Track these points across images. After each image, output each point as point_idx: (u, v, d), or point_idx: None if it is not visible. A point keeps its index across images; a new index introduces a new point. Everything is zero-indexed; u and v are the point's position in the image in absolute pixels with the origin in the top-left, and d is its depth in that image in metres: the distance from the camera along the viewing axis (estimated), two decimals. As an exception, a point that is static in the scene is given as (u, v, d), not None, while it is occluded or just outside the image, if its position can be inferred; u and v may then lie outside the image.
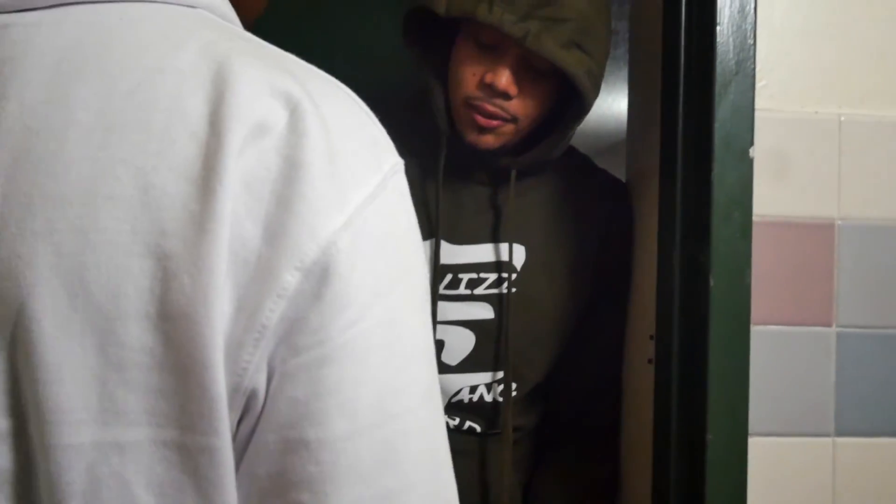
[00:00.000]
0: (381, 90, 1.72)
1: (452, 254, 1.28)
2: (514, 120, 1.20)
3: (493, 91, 1.17)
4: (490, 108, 1.18)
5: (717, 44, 1.06)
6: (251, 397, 0.46)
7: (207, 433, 0.45)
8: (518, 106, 1.19)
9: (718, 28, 1.05)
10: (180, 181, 0.45)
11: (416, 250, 0.52)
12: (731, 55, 1.06)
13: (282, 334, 0.45)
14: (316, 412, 0.46)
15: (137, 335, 0.44)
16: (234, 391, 0.45)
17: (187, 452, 0.45)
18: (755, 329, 1.07)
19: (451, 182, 1.28)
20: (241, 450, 0.47)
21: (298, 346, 0.46)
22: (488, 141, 1.22)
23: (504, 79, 1.16)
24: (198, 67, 0.47)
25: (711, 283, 1.06)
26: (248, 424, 0.46)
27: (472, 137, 1.22)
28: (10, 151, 0.45)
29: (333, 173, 0.47)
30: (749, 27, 1.06)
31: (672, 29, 1.14)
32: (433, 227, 1.27)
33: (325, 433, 0.46)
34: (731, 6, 1.06)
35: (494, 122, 1.19)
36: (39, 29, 0.49)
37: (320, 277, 0.45)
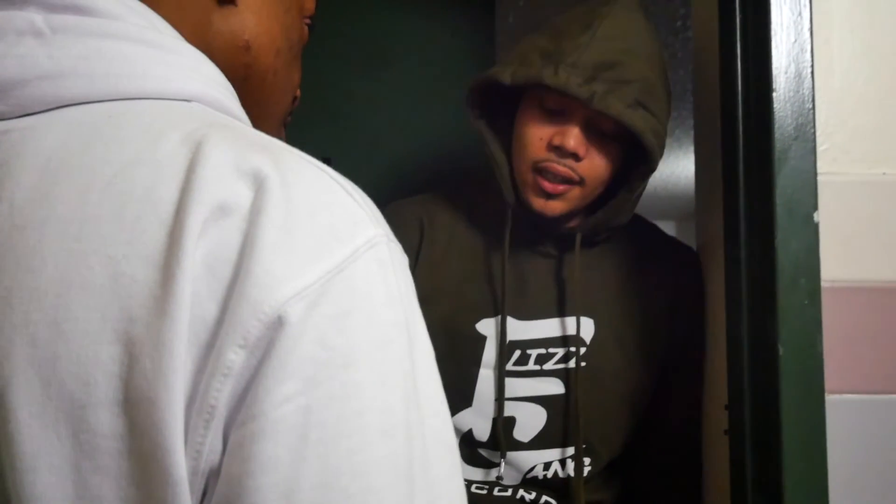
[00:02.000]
0: (450, 167, 1.77)
1: (520, 329, 1.28)
2: (581, 182, 1.20)
3: (562, 152, 1.19)
4: (560, 168, 1.19)
5: (775, 110, 1.05)
6: (210, 477, 0.46)
7: None
8: (586, 168, 1.20)
9: (775, 94, 1.05)
10: (148, 268, 0.46)
11: (396, 323, 0.50)
12: (790, 120, 1.05)
13: (231, 412, 0.45)
14: (251, 490, 0.44)
15: (108, 421, 0.45)
16: (193, 474, 0.45)
17: None
18: (830, 398, 1.04)
19: (515, 255, 1.29)
20: None
21: (237, 421, 0.45)
22: (556, 207, 1.22)
23: (573, 140, 1.18)
24: (175, 157, 0.49)
25: (780, 351, 1.03)
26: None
27: (540, 204, 1.22)
28: None
29: (289, 248, 0.46)
30: (807, 92, 1.05)
31: (730, 96, 1.14)
32: (499, 303, 1.28)
33: None
34: (787, 72, 1.05)
35: (561, 187, 1.20)
36: (34, 132, 0.51)
37: (264, 352, 0.45)
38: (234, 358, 0.45)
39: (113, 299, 0.45)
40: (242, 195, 0.47)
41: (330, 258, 0.47)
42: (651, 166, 1.19)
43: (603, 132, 1.20)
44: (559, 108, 1.20)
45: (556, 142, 1.18)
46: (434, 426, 0.52)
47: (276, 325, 0.45)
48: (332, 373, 0.46)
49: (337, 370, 0.46)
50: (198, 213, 0.46)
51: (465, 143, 1.40)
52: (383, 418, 0.47)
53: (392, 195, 1.43)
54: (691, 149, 1.57)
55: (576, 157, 1.19)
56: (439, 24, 1.85)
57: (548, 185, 1.20)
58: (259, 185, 0.47)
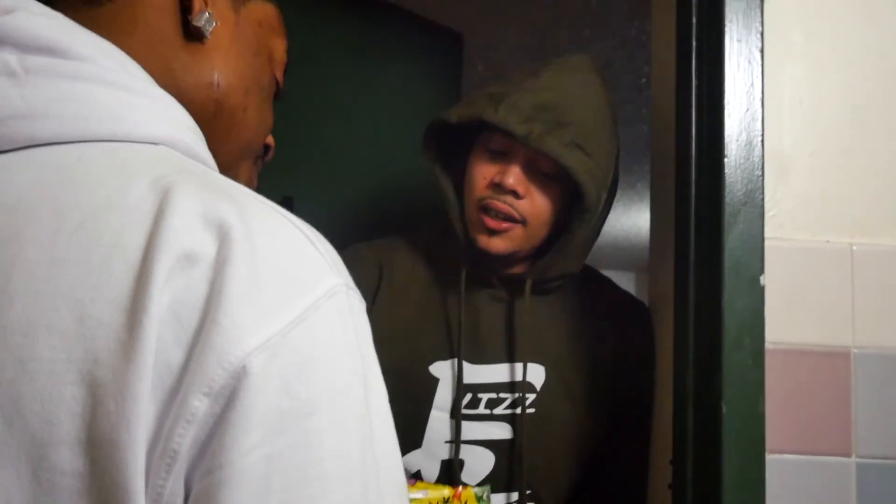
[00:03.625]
0: (411, 209, 1.79)
1: (472, 373, 1.30)
2: (523, 222, 1.24)
3: (502, 189, 1.23)
4: (500, 205, 1.23)
5: (726, 175, 1.09)
6: None
7: None
8: (527, 207, 1.24)
9: (726, 160, 1.09)
10: (114, 312, 0.47)
11: (354, 370, 0.52)
12: (740, 186, 1.09)
13: (195, 458, 0.46)
14: None
15: (69, 460, 0.46)
16: None
17: None
18: (771, 458, 1.07)
19: (469, 299, 1.32)
20: None
21: (204, 469, 0.46)
22: (499, 245, 1.25)
23: (512, 178, 1.22)
24: (143, 203, 0.50)
25: (724, 409, 1.06)
26: None
27: (483, 241, 1.26)
28: None
29: (253, 299, 0.48)
30: (757, 160, 1.09)
31: (684, 160, 1.18)
32: (454, 346, 1.30)
33: None
34: (738, 139, 1.09)
35: (504, 224, 1.24)
36: (4, 171, 0.52)
37: (227, 402, 0.46)
38: (198, 405, 0.46)
39: (78, 341, 0.47)
40: (208, 245, 0.49)
41: (292, 309, 0.49)
42: (586, 206, 1.22)
43: (544, 174, 1.24)
44: (503, 150, 1.25)
45: (497, 179, 1.23)
46: (387, 467, 0.54)
47: (241, 374, 0.46)
48: (295, 422, 0.48)
49: (299, 419, 0.48)
50: (164, 261, 0.47)
51: (427, 188, 1.43)
52: (342, 464, 0.49)
53: (353, 235, 1.44)
54: (649, 203, 1.62)
55: (515, 194, 1.23)
56: (405, 70, 1.88)
57: (490, 222, 1.24)
58: (224, 236, 0.49)
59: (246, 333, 0.47)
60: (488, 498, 1.20)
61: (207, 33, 0.63)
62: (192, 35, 0.63)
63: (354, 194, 1.76)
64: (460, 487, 1.21)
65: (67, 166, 0.53)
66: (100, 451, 0.46)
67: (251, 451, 0.46)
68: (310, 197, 1.64)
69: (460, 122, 1.25)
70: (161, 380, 0.46)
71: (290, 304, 0.49)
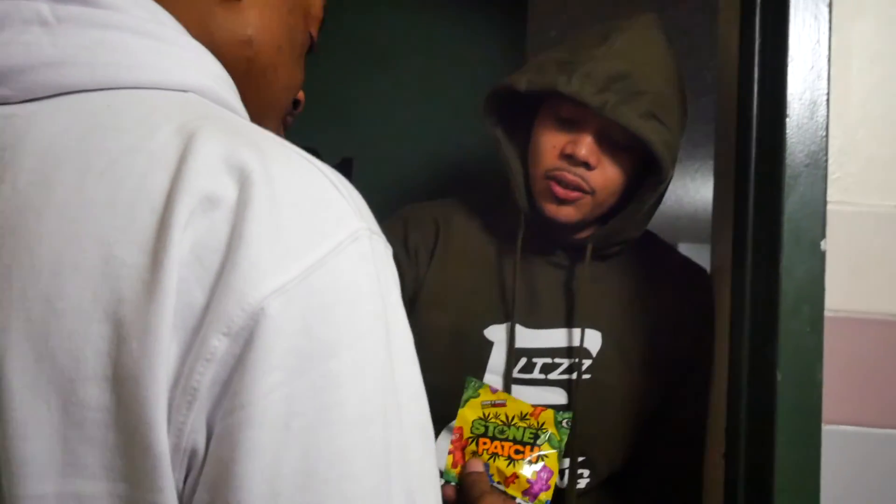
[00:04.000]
0: (471, 174, 1.79)
1: (528, 337, 1.29)
2: (592, 192, 1.22)
3: (573, 161, 1.20)
4: (570, 177, 1.20)
5: (787, 136, 1.05)
6: (192, 457, 0.48)
7: (153, 490, 0.47)
8: (597, 178, 1.21)
9: (788, 120, 1.05)
10: (139, 253, 0.48)
11: (376, 314, 0.52)
12: (802, 147, 1.05)
13: (216, 397, 0.47)
14: (237, 475, 0.47)
15: (96, 395, 0.47)
16: (174, 451, 0.48)
17: None
18: (827, 428, 1.03)
19: (527, 264, 1.30)
20: None
21: (226, 409, 0.47)
22: (567, 213, 1.23)
23: (584, 148, 1.19)
24: (168, 147, 0.51)
25: (779, 377, 1.03)
26: (192, 482, 0.49)
27: (552, 210, 1.23)
28: None
29: (274, 242, 0.49)
30: (821, 120, 1.05)
31: (745, 121, 1.14)
32: (509, 310, 1.29)
33: (244, 496, 0.47)
34: (801, 99, 1.05)
35: (574, 194, 1.21)
36: (37, 118, 0.54)
37: (246, 342, 0.47)
38: (217, 345, 0.47)
39: (104, 281, 0.48)
40: (229, 188, 0.49)
41: (314, 252, 0.50)
42: (661, 177, 1.19)
43: (616, 143, 1.21)
44: (573, 118, 1.22)
45: (569, 150, 1.20)
46: (411, 410, 0.54)
47: (259, 316, 0.47)
48: (315, 363, 0.48)
49: (319, 361, 0.49)
50: (186, 204, 0.48)
51: (487, 150, 1.42)
52: (361, 406, 0.50)
53: (411, 198, 1.45)
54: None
55: (587, 165, 1.20)
56: (470, 31, 1.86)
57: (560, 191, 1.21)
58: (245, 180, 0.50)
59: (265, 276, 0.48)
60: (568, 425, 1.18)
61: None
62: None
63: (414, 156, 1.76)
64: (540, 406, 1.20)
65: (97, 113, 0.54)
66: (124, 388, 0.47)
67: (271, 391, 0.47)
68: (369, 159, 1.65)
69: (530, 90, 1.22)
70: (183, 320, 0.47)
71: (311, 248, 0.50)
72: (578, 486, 1.28)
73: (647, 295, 1.33)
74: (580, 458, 1.27)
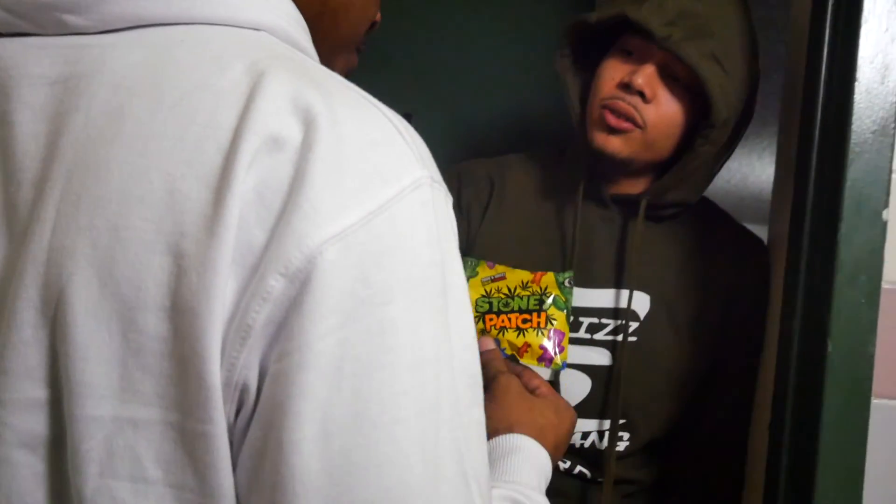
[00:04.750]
0: (532, 129, 1.77)
1: (577, 296, 1.28)
2: (644, 127, 1.19)
3: (629, 90, 1.18)
4: (623, 105, 1.18)
5: (855, 101, 1.01)
6: (243, 392, 0.49)
7: (203, 420, 0.49)
8: (652, 112, 1.19)
9: (857, 84, 1.01)
10: (202, 188, 0.49)
11: (433, 262, 0.53)
12: (870, 112, 1.01)
13: (271, 337, 0.48)
14: (290, 415, 0.48)
15: (154, 324, 0.49)
16: (226, 384, 0.49)
17: (188, 435, 0.49)
18: (876, 402, 1.01)
19: (584, 218, 1.29)
20: (240, 441, 0.50)
21: (282, 350, 0.48)
22: (615, 145, 1.20)
23: (642, 78, 1.17)
24: (238, 85, 0.52)
25: (829, 348, 1.00)
26: (244, 419, 0.50)
27: (601, 140, 1.21)
28: (72, 157, 0.52)
29: (336, 186, 0.49)
30: (892, 85, 1.01)
31: (812, 85, 1.11)
32: (566, 263, 1.28)
33: (297, 435, 0.47)
34: (873, 62, 1.01)
35: (625, 124, 1.19)
36: (113, 50, 0.55)
37: (303, 285, 0.48)
38: (275, 284, 0.48)
39: (167, 213, 0.49)
40: (294, 129, 0.50)
41: (375, 198, 0.50)
42: (713, 121, 1.16)
43: (675, 82, 1.19)
44: (638, 52, 1.20)
45: (626, 80, 1.18)
46: (463, 359, 0.55)
47: (317, 259, 0.48)
48: (370, 309, 0.49)
49: (374, 307, 0.49)
50: (251, 142, 0.49)
51: (550, 107, 1.40)
52: (414, 353, 0.50)
53: (470, 154, 1.44)
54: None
55: (643, 96, 1.18)
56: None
57: (611, 119, 1.19)
58: (311, 122, 0.50)
59: (325, 219, 0.48)
60: (571, 284, 1.17)
61: None
62: None
63: (473, 112, 1.75)
64: (539, 271, 1.18)
65: (171, 47, 0.55)
66: (182, 319, 0.48)
67: (326, 335, 0.48)
68: (427, 114, 1.64)
69: (600, 21, 1.21)
70: (242, 257, 0.48)
71: (372, 194, 0.50)
72: (618, 449, 1.27)
73: (701, 261, 1.31)
74: (621, 421, 1.26)
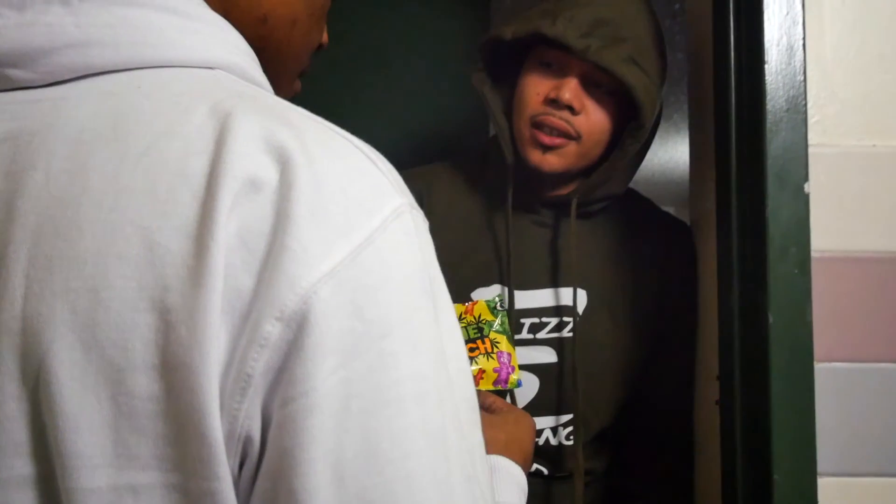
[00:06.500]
0: (455, 139, 1.78)
1: (515, 298, 1.30)
2: (578, 138, 1.22)
3: (557, 105, 1.21)
4: (555, 121, 1.21)
5: (766, 82, 1.06)
6: (247, 444, 0.47)
7: (208, 478, 0.46)
8: (583, 123, 1.22)
9: (767, 66, 1.06)
10: (181, 239, 0.47)
11: (424, 289, 0.52)
12: (782, 92, 1.06)
13: (271, 384, 0.47)
14: (300, 462, 0.46)
15: (145, 385, 0.46)
16: (228, 438, 0.47)
17: (192, 495, 0.47)
18: (819, 366, 1.06)
19: (514, 224, 1.31)
20: (246, 494, 0.48)
21: (286, 396, 0.46)
22: (553, 162, 1.23)
23: (568, 92, 1.20)
24: (204, 129, 0.50)
25: (770, 320, 1.05)
26: (249, 471, 0.48)
27: (537, 158, 1.23)
28: (36, 218, 0.49)
29: (321, 222, 0.48)
30: (798, 64, 1.06)
31: (723, 70, 1.15)
32: (502, 273, 1.29)
33: (310, 483, 0.46)
34: (779, 44, 1.06)
35: (558, 140, 1.22)
36: (66, 102, 0.52)
37: (299, 328, 0.46)
38: (271, 330, 0.46)
39: (148, 269, 0.47)
40: (271, 170, 0.48)
41: (360, 231, 0.49)
42: (641, 122, 1.20)
43: (599, 89, 1.22)
44: (557, 64, 1.22)
45: (553, 95, 1.21)
46: (460, 383, 0.54)
47: (312, 299, 0.46)
48: (369, 344, 0.48)
49: (373, 341, 0.48)
50: (229, 187, 0.47)
51: (464, 128, 1.42)
52: (417, 383, 0.49)
53: (396, 165, 1.44)
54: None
55: (572, 109, 1.21)
56: (434, 11, 1.86)
57: (545, 138, 1.22)
58: (286, 161, 0.48)
59: (315, 259, 0.47)
60: (503, 307, 1.18)
61: None
62: None
63: (394, 132, 1.75)
64: (470, 302, 1.19)
65: (127, 94, 0.52)
66: (175, 375, 0.46)
67: (329, 375, 0.47)
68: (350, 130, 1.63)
69: (515, 37, 1.23)
70: (231, 305, 0.47)
71: (357, 227, 0.49)
72: (569, 442, 1.29)
73: (631, 251, 1.34)
74: (570, 416, 1.28)
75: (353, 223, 0.49)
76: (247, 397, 0.47)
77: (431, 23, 1.84)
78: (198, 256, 0.46)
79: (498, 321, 1.16)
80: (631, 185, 1.40)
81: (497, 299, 1.18)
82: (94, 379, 0.47)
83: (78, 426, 0.47)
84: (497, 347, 1.15)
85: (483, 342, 1.15)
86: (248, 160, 0.48)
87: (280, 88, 0.69)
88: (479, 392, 1.05)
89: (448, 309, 0.55)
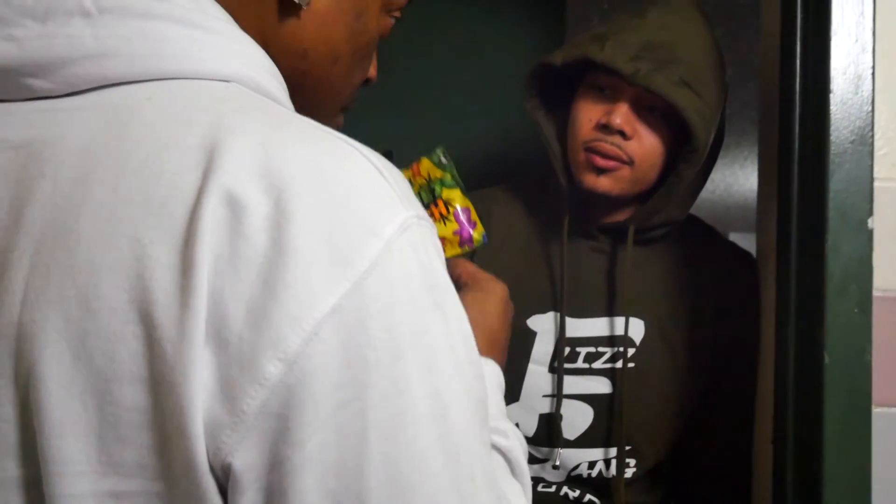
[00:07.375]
0: (513, 164, 1.77)
1: (571, 327, 1.28)
2: (630, 163, 1.20)
3: (608, 130, 1.19)
4: (607, 147, 1.19)
5: (831, 112, 1.02)
6: (232, 474, 0.47)
7: (193, 489, 0.47)
8: (635, 148, 1.20)
9: (832, 96, 1.02)
10: (172, 254, 0.47)
11: (434, 304, 0.51)
12: (847, 123, 1.02)
13: (271, 427, 0.46)
14: (323, 495, 0.46)
15: (131, 396, 0.47)
16: (212, 464, 0.46)
17: (175, 501, 0.47)
18: (878, 411, 1.01)
19: (572, 250, 1.29)
20: None
21: (294, 440, 0.46)
22: (606, 184, 1.21)
23: (619, 118, 1.18)
24: (203, 143, 0.49)
25: (826, 360, 1.00)
26: (234, 498, 0.47)
27: (590, 181, 1.22)
28: (40, 226, 0.50)
29: (320, 257, 0.47)
30: (866, 94, 1.02)
31: (788, 98, 1.11)
32: (557, 300, 1.28)
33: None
34: (845, 73, 1.02)
35: (612, 163, 1.20)
36: (79, 112, 0.53)
37: (304, 372, 0.45)
38: (273, 371, 0.45)
39: (138, 281, 0.47)
40: (259, 194, 0.47)
41: (365, 255, 0.48)
42: (694, 146, 1.17)
43: (652, 113, 1.20)
44: (609, 89, 1.21)
45: (604, 120, 1.19)
46: (472, 388, 0.53)
47: (318, 339, 0.46)
48: (383, 371, 0.47)
49: (385, 368, 0.47)
50: (212, 206, 0.47)
51: (529, 138, 1.41)
52: (433, 403, 0.49)
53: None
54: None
55: (623, 134, 1.19)
56: (510, 21, 1.86)
57: (598, 160, 1.20)
58: (282, 188, 0.47)
59: (319, 295, 0.46)
60: (447, 157, 1.10)
61: (305, 5, 0.61)
62: (288, 7, 0.61)
63: (455, 146, 1.76)
64: (414, 163, 1.11)
65: (135, 106, 0.53)
66: (160, 390, 0.46)
67: (342, 408, 0.46)
68: (409, 150, 1.65)
69: (565, 63, 1.22)
70: (216, 330, 0.46)
71: (361, 251, 0.48)
72: (626, 476, 1.26)
73: (691, 280, 1.31)
74: (627, 447, 1.26)
75: (355, 247, 0.48)
76: (238, 432, 0.46)
77: (504, 35, 1.84)
78: (185, 274, 0.46)
79: (448, 176, 1.10)
80: (705, 211, 1.37)
81: (439, 151, 1.11)
82: (81, 387, 0.47)
83: (63, 432, 0.48)
84: (451, 206, 1.08)
85: (436, 206, 1.08)
86: (234, 181, 0.47)
87: (319, 119, 0.69)
88: (447, 261, 1.01)
89: (460, 318, 0.54)
